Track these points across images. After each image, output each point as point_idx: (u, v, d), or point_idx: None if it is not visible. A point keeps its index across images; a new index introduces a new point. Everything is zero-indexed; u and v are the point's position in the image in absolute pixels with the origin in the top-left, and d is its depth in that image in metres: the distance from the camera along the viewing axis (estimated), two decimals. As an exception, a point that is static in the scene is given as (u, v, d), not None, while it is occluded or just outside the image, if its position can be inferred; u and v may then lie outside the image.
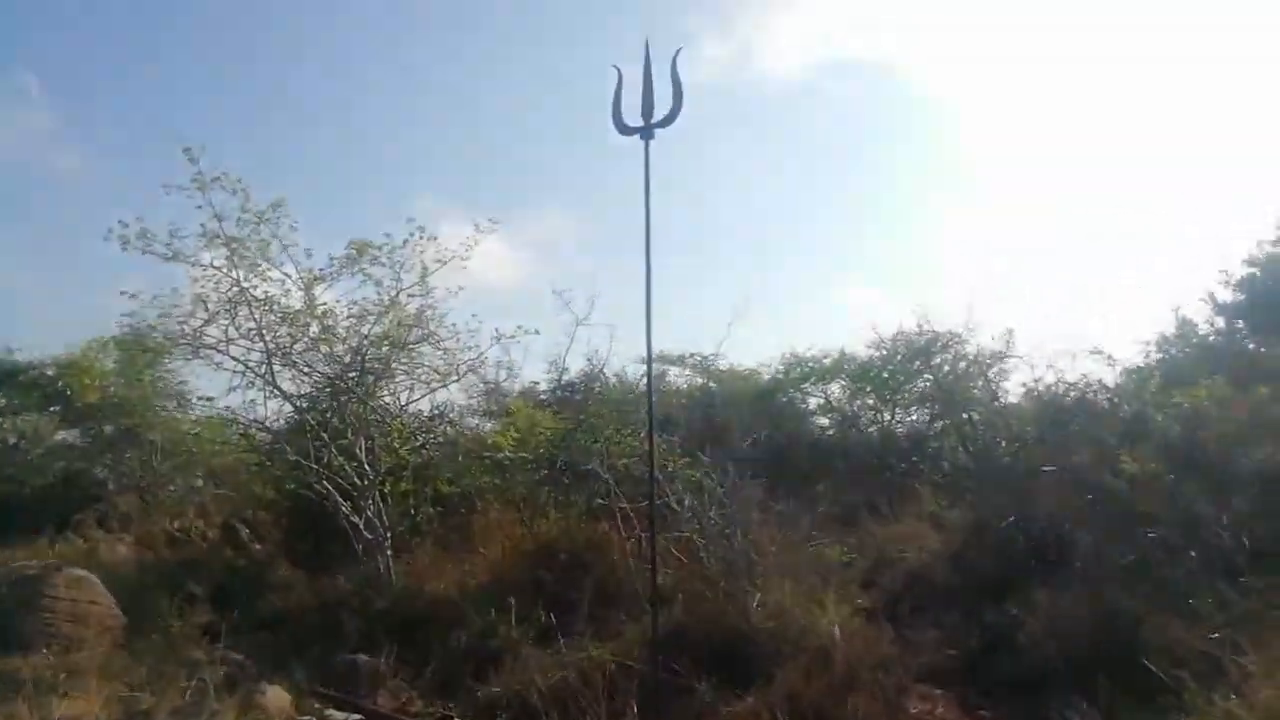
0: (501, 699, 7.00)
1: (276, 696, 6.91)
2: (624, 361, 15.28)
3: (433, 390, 11.10)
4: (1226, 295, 14.68)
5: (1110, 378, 12.97)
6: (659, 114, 5.47)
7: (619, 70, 5.85)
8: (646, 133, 5.49)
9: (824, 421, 17.10)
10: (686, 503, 8.91)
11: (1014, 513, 9.06)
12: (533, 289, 35.76)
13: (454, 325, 10.57)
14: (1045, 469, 9.85)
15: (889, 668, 7.32)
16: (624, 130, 5.54)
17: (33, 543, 11.79)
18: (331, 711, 6.61)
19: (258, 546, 11.47)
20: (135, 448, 14.09)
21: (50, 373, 14.08)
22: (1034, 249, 34.04)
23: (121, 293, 9.54)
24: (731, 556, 8.34)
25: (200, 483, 14.08)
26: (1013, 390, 14.69)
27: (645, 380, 8.81)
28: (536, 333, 11.02)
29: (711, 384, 16.86)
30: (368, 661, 7.58)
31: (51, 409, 14.16)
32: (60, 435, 14.81)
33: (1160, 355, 14.03)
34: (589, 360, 14.86)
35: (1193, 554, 7.18)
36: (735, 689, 7.02)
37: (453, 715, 6.57)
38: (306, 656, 8.05)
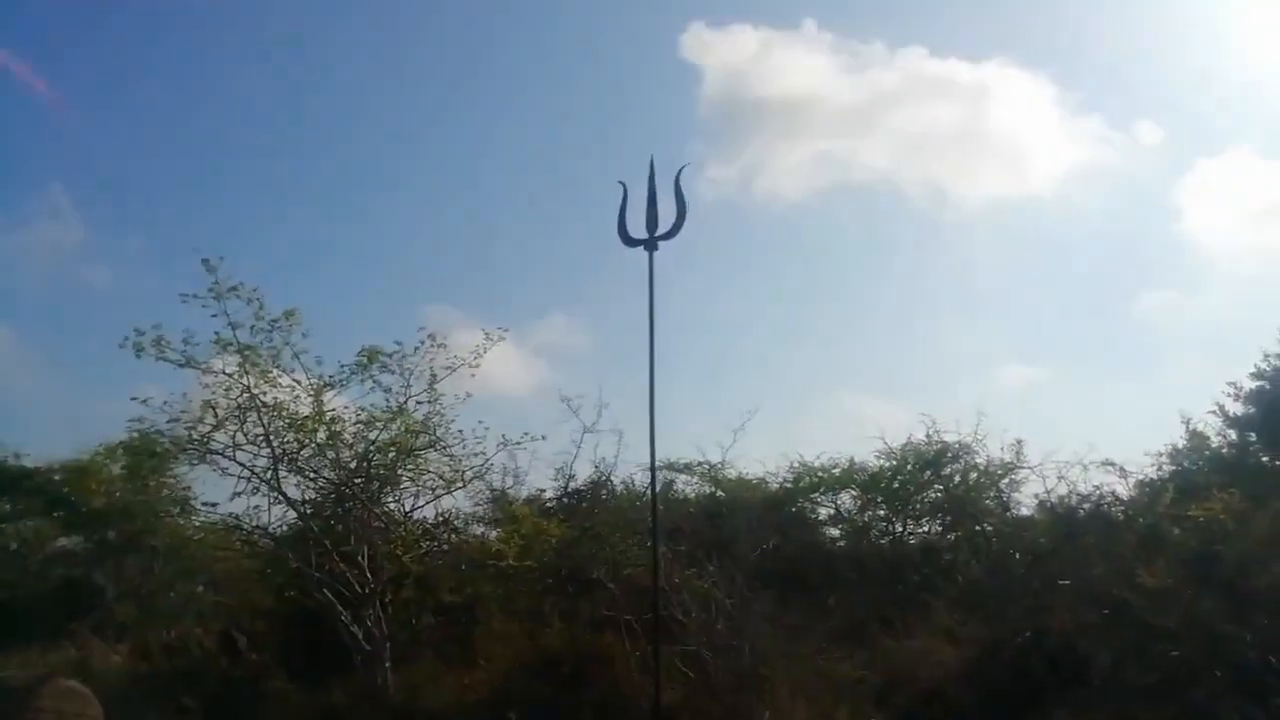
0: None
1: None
2: (631, 469, 15.10)
3: (438, 497, 11.05)
4: (1237, 408, 14.64)
5: (1123, 490, 12.81)
6: (663, 227, 5.64)
7: (624, 185, 6.08)
8: (650, 244, 5.64)
9: (835, 532, 16.82)
10: (694, 614, 8.73)
11: (1030, 628, 8.82)
12: (545, 396, 35.85)
13: (460, 432, 10.60)
14: (1061, 582, 9.62)
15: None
16: (629, 242, 5.70)
17: (25, 651, 11.53)
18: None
19: (254, 656, 11.18)
20: (137, 554, 13.91)
21: (56, 477, 14.05)
22: (1042, 363, 34.17)
23: (132, 399, 9.63)
24: (740, 670, 8.11)
25: (200, 590, 13.83)
26: (1025, 501, 14.51)
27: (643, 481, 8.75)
28: (543, 438, 11.08)
29: (719, 493, 16.65)
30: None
31: (55, 514, 14.06)
32: (61, 541, 14.66)
33: (1173, 467, 13.89)
34: (596, 468, 14.75)
35: (1218, 674, 6.93)
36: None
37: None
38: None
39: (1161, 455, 14.18)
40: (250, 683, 10.12)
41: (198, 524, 12.99)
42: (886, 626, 11.07)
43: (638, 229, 5.67)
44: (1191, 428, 14.42)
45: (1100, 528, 11.12)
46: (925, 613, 11.59)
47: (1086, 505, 12.33)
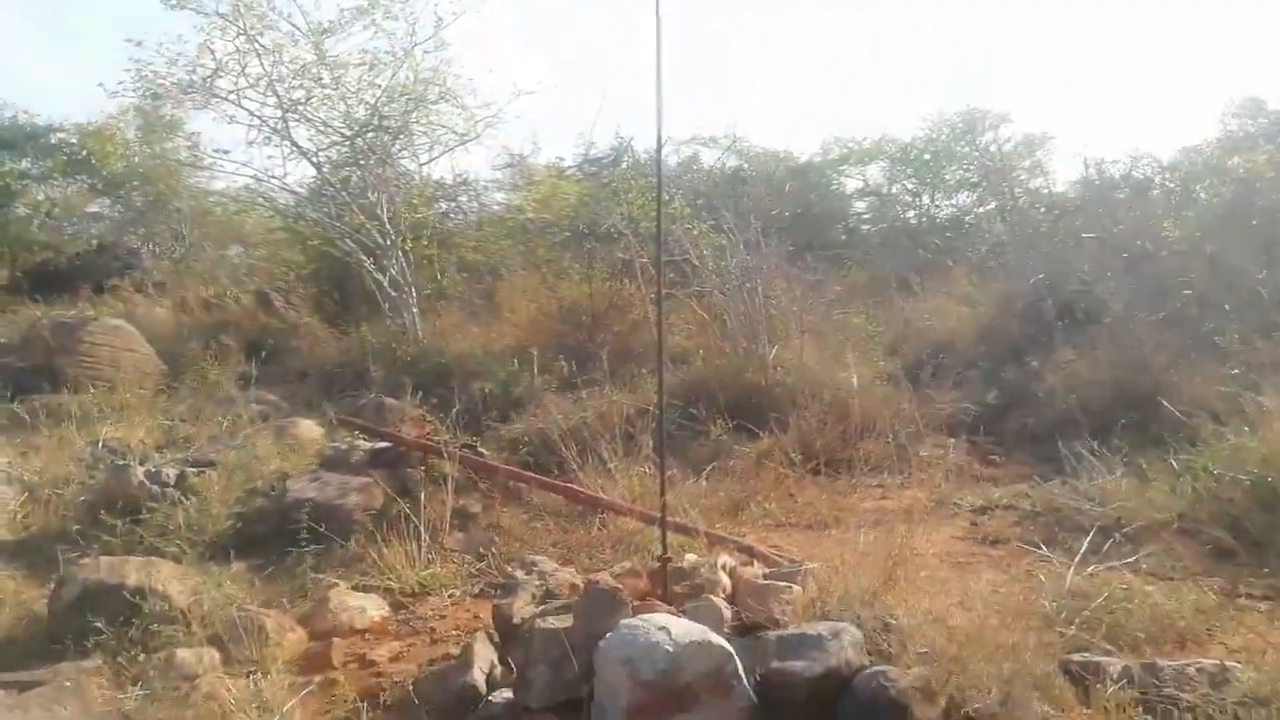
0: (523, 436, 7.20)
1: (307, 428, 7.16)
2: (652, 141, 14.71)
3: (451, 149, 10.82)
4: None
5: (1166, 155, 12.29)
6: None
7: None
8: None
9: (861, 205, 16.66)
10: (709, 261, 8.76)
11: (1045, 275, 8.80)
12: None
13: (471, 80, 10.19)
14: (1085, 236, 9.49)
15: (905, 418, 7.38)
16: None
17: (72, 304, 12.04)
18: (360, 439, 6.80)
19: (291, 312, 11.62)
20: (165, 217, 14.14)
21: (73, 140, 13.93)
22: (1086, 45, 31.67)
23: (127, 40, 9.21)
24: (752, 312, 8.25)
25: (232, 252, 14.17)
26: (1061, 167, 14.14)
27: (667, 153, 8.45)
28: (556, 87, 10.65)
29: (744, 165, 16.29)
30: (394, 402, 7.76)
31: (77, 177, 14.11)
32: (92, 207, 14.85)
33: (1220, 132, 13.22)
34: (617, 135, 14.37)
35: (1227, 307, 6.95)
36: (751, 433, 7.15)
37: (476, 445, 6.74)
38: (335, 400, 8.31)
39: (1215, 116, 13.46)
40: (286, 329, 10.57)
41: (219, 189, 13.02)
42: (904, 289, 11.21)
43: None
44: (1248, 96, 13.55)
45: (1134, 184, 10.79)
46: (945, 277, 11.69)
47: (1121, 165, 11.90)
